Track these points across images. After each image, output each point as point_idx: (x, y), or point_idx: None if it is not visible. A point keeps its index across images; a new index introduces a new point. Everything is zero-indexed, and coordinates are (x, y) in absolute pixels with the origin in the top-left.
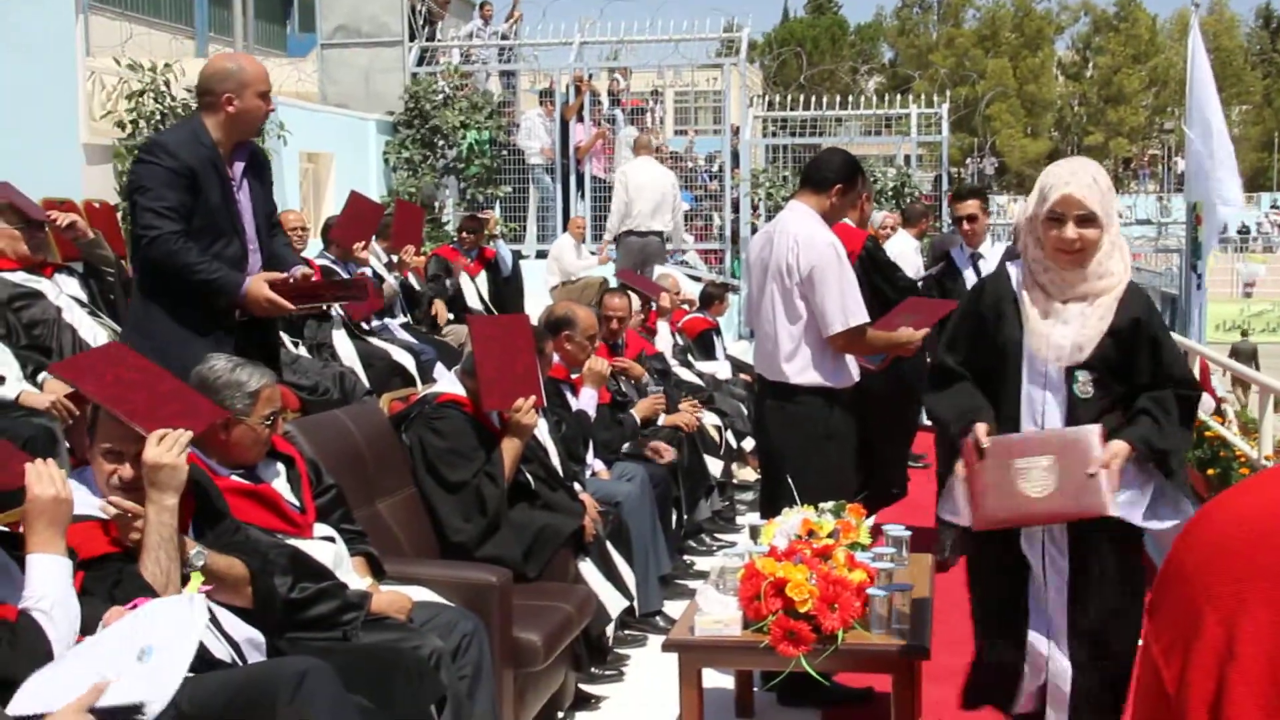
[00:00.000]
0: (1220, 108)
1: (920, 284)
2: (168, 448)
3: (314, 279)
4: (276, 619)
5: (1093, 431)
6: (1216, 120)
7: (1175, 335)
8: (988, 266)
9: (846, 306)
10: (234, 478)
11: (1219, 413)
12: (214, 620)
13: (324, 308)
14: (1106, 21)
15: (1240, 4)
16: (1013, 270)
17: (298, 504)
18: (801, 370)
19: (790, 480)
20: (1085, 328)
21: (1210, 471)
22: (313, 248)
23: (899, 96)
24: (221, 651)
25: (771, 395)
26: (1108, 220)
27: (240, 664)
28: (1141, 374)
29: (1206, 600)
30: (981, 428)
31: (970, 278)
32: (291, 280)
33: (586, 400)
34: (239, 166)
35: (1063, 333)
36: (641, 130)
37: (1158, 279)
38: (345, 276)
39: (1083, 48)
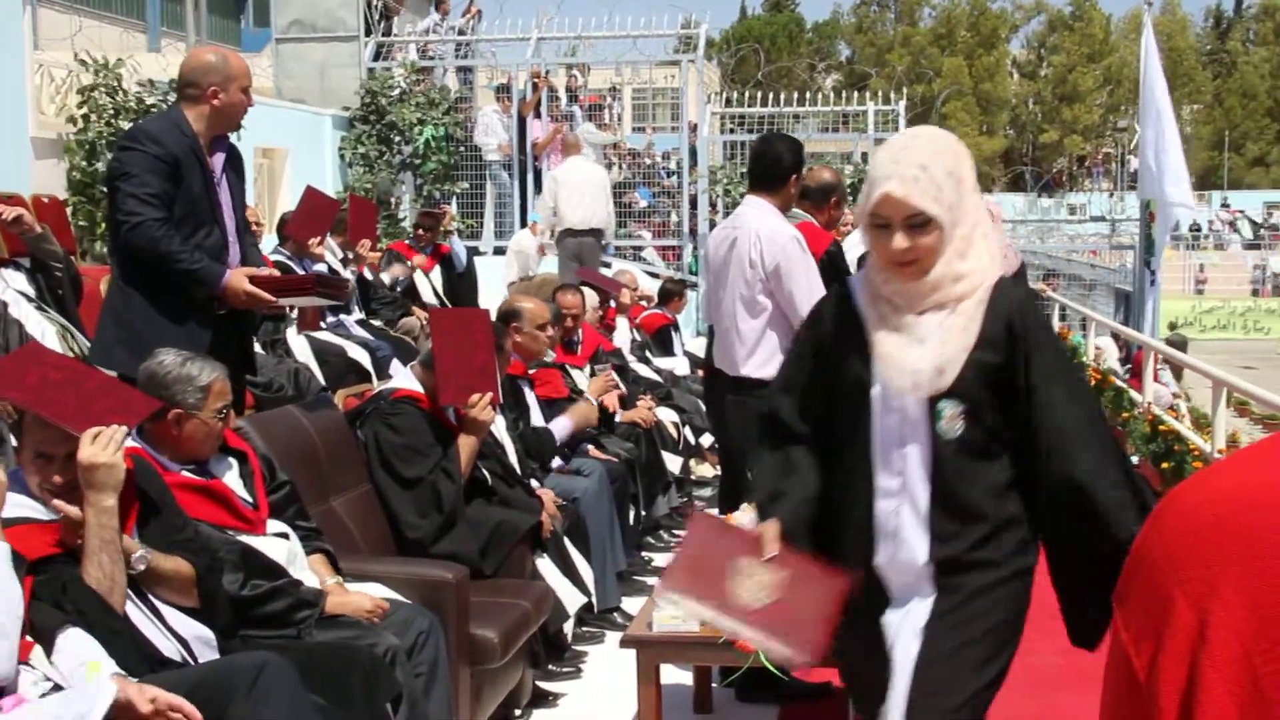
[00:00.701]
0: (1171, 107)
1: None
2: (102, 446)
3: (301, 277)
4: (226, 618)
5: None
6: (1167, 120)
7: (1129, 329)
8: None
9: (814, 297)
10: (185, 473)
11: (1172, 407)
12: (161, 618)
13: (286, 309)
14: (1061, 20)
15: (1191, 4)
16: (855, 284)
17: (250, 500)
18: (762, 364)
19: (750, 474)
20: (946, 344)
21: (1164, 465)
22: (268, 243)
23: (856, 94)
24: (170, 650)
25: (732, 390)
26: (952, 216)
27: (191, 662)
28: (1020, 394)
29: (1177, 586)
30: (771, 530)
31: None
32: (273, 275)
33: (559, 427)
34: (219, 159)
35: (918, 354)
36: (601, 126)
37: (1112, 275)
38: (301, 273)
39: (1037, 46)
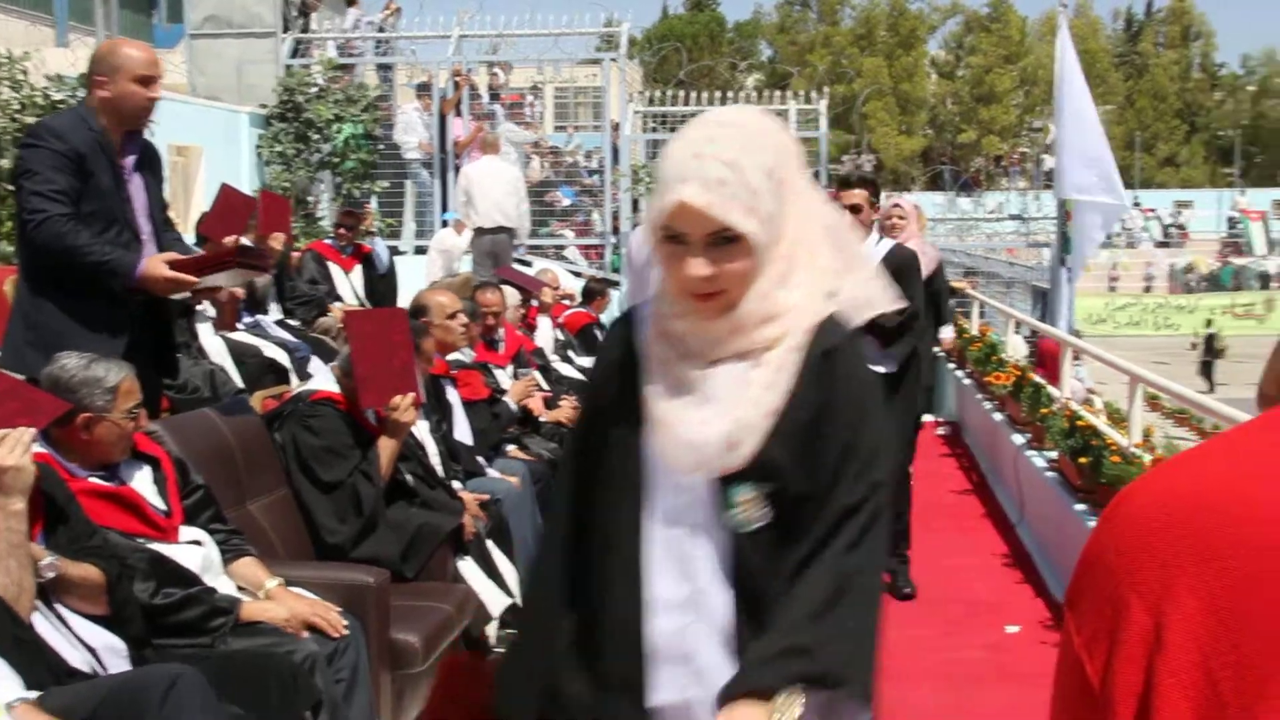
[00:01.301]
0: (1093, 108)
1: None
2: (9, 449)
3: (220, 252)
4: (137, 626)
5: None
6: (1091, 122)
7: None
8: None
9: None
10: (93, 480)
11: (1088, 402)
12: (69, 628)
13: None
14: (978, 22)
15: (1102, 7)
16: (643, 315)
17: (163, 507)
18: None
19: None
20: (742, 407)
21: (1082, 460)
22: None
23: (778, 93)
24: (79, 660)
25: None
26: (770, 232)
27: (101, 673)
28: (822, 481)
29: (1131, 589)
30: None
31: None
32: (193, 256)
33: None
34: (131, 156)
35: (704, 419)
36: (523, 125)
37: (1030, 273)
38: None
39: (955, 47)
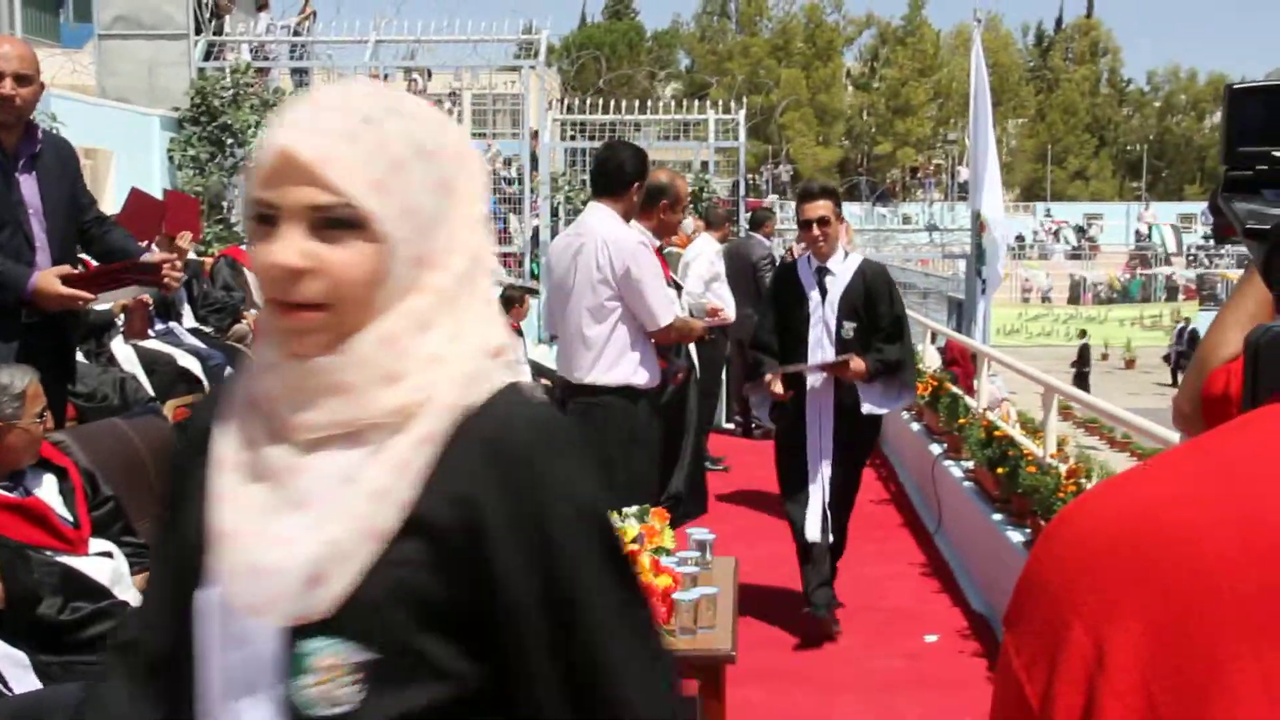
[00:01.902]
0: (991, 124)
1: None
2: None
3: (113, 266)
4: (38, 625)
5: None
6: (985, 136)
7: (963, 335)
8: (837, 286)
9: (665, 298)
10: None
11: (998, 406)
12: None
13: (113, 317)
14: (893, 35)
15: (1013, 20)
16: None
17: (70, 518)
18: (607, 369)
19: None
20: (336, 521)
21: (1000, 470)
22: None
23: (696, 103)
24: None
25: (576, 397)
26: (413, 237)
27: (4, 689)
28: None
29: (1072, 610)
30: None
31: (816, 300)
32: (86, 271)
33: None
34: (23, 157)
35: (284, 533)
36: None
37: (945, 283)
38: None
39: (870, 59)
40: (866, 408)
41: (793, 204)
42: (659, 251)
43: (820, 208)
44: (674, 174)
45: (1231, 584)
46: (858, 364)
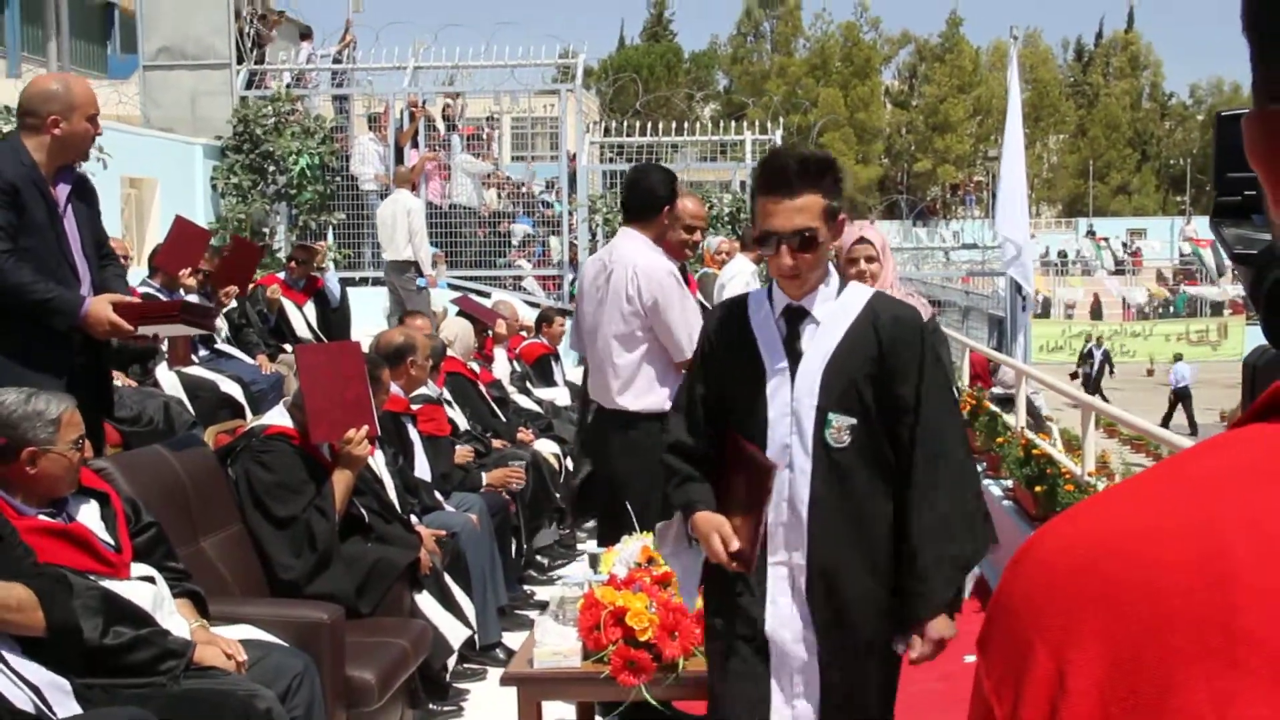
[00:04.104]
0: (1020, 143)
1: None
2: None
3: (169, 304)
4: (80, 651)
5: None
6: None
7: (1004, 355)
8: (820, 343)
9: (693, 330)
10: (41, 517)
11: (1043, 429)
12: (9, 668)
13: (158, 347)
14: (931, 52)
15: (1053, 36)
16: None
17: (112, 542)
18: (639, 397)
19: (630, 507)
20: None
21: (1038, 489)
22: (135, 276)
23: (734, 123)
24: (23, 700)
25: (609, 422)
26: None
27: (49, 712)
28: None
29: (1036, 633)
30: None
31: (779, 369)
32: (136, 302)
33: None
34: (64, 190)
35: None
36: (480, 155)
37: (984, 301)
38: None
39: (908, 77)
40: (901, 647)
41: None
42: (684, 271)
43: (800, 209)
44: (685, 192)
45: (1186, 607)
46: (926, 639)
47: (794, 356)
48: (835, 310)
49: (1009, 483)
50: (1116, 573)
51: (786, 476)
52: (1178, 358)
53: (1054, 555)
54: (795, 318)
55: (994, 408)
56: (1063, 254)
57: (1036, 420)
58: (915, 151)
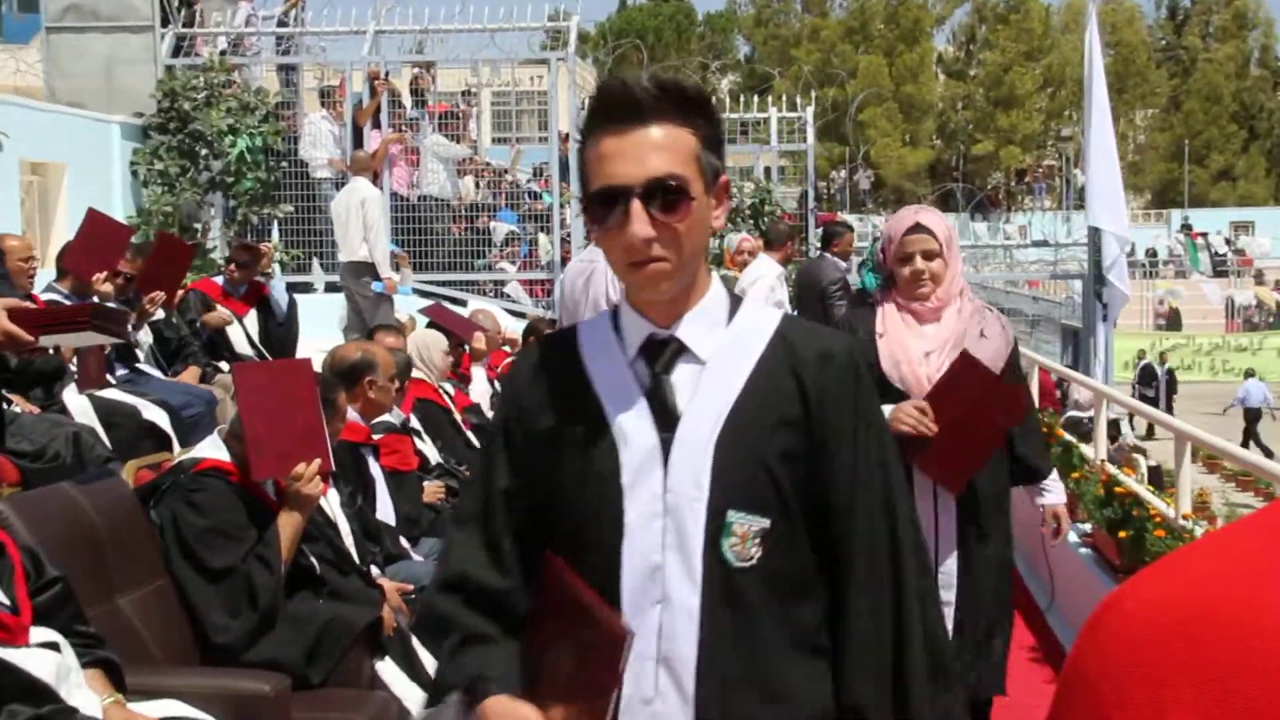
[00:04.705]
0: (1108, 115)
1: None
2: None
3: (74, 308)
4: None
5: None
6: (1105, 129)
7: (1079, 374)
8: (710, 396)
9: None
10: None
11: (1129, 463)
12: None
13: (56, 353)
14: (993, 12)
15: None
16: None
17: (7, 603)
18: None
19: None
20: None
21: (1122, 534)
22: (41, 280)
23: (757, 98)
24: None
25: None
26: None
27: None
28: None
29: (1119, 710)
30: None
31: (639, 441)
32: (36, 308)
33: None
34: None
35: None
36: (454, 138)
37: (1056, 309)
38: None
39: (966, 42)
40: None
41: (878, 218)
42: None
43: (658, 147)
44: None
45: None
46: None
47: (665, 420)
48: (727, 344)
49: (1087, 527)
50: (1214, 641)
51: (657, 619)
52: (1249, 374)
53: (1137, 621)
54: (662, 355)
55: (1068, 436)
56: (1152, 252)
57: (1121, 452)
58: (973, 131)
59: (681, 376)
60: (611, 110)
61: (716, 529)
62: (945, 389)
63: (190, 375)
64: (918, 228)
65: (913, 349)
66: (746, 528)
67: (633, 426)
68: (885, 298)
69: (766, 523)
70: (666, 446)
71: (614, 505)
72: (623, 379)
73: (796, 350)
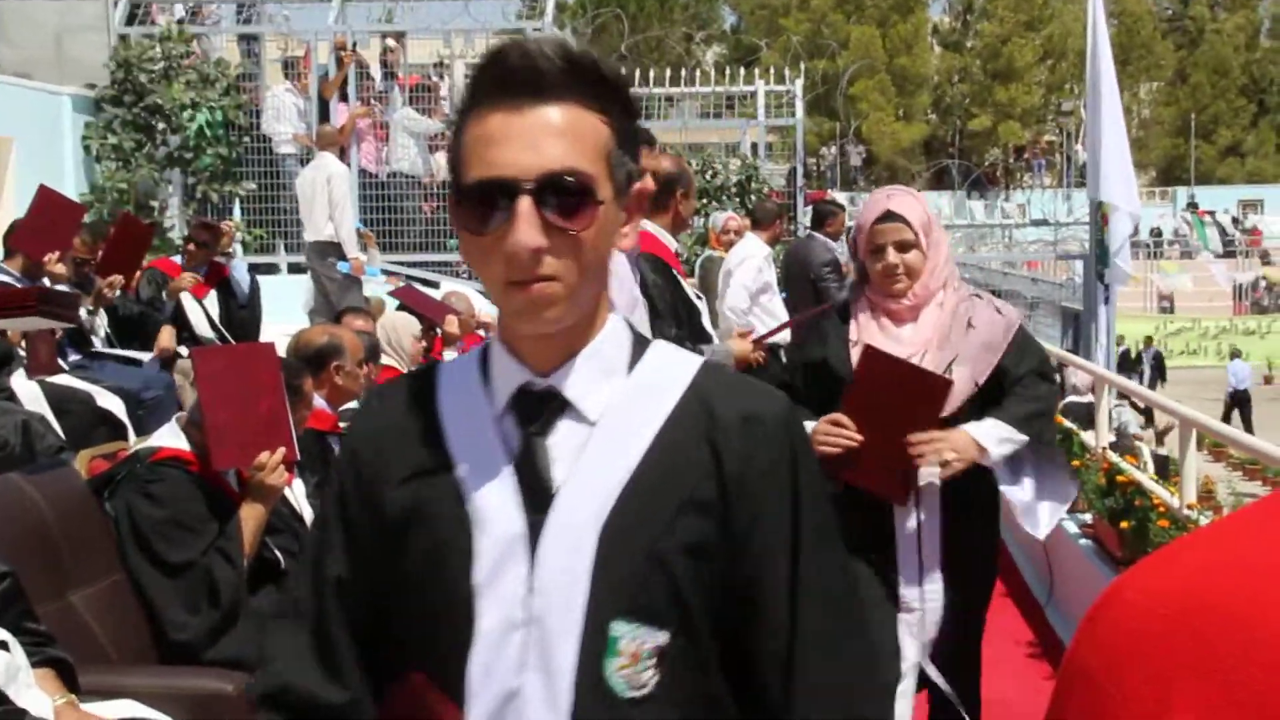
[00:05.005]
0: (1115, 86)
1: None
2: None
3: (20, 291)
4: None
5: None
6: (1111, 102)
7: (1078, 357)
8: (599, 457)
9: (635, 319)
10: None
11: (1132, 452)
12: None
13: (4, 336)
14: None
15: None
16: None
17: None
18: None
19: None
20: None
21: (1124, 525)
22: None
23: (743, 71)
24: None
25: None
26: None
27: None
28: None
29: (1121, 705)
30: None
31: (504, 520)
32: None
33: None
34: None
35: None
36: (426, 111)
37: (1057, 291)
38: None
39: (962, 11)
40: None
41: (865, 195)
42: (675, 257)
43: (558, 132)
44: (677, 158)
45: None
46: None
47: (537, 498)
48: (624, 400)
49: (1087, 517)
50: (1217, 633)
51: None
52: (1234, 354)
53: (1138, 612)
54: (539, 411)
55: (1068, 423)
56: (1157, 231)
57: (1122, 439)
58: (970, 105)
59: (562, 440)
60: (505, 81)
61: (597, 646)
62: (858, 391)
63: (166, 337)
64: (889, 215)
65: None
66: (638, 644)
67: (493, 504)
68: (859, 296)
69: (664, 638)
70: (535, 532)
71: (463, 609)
72: (484, 441)
73: (714, 410)
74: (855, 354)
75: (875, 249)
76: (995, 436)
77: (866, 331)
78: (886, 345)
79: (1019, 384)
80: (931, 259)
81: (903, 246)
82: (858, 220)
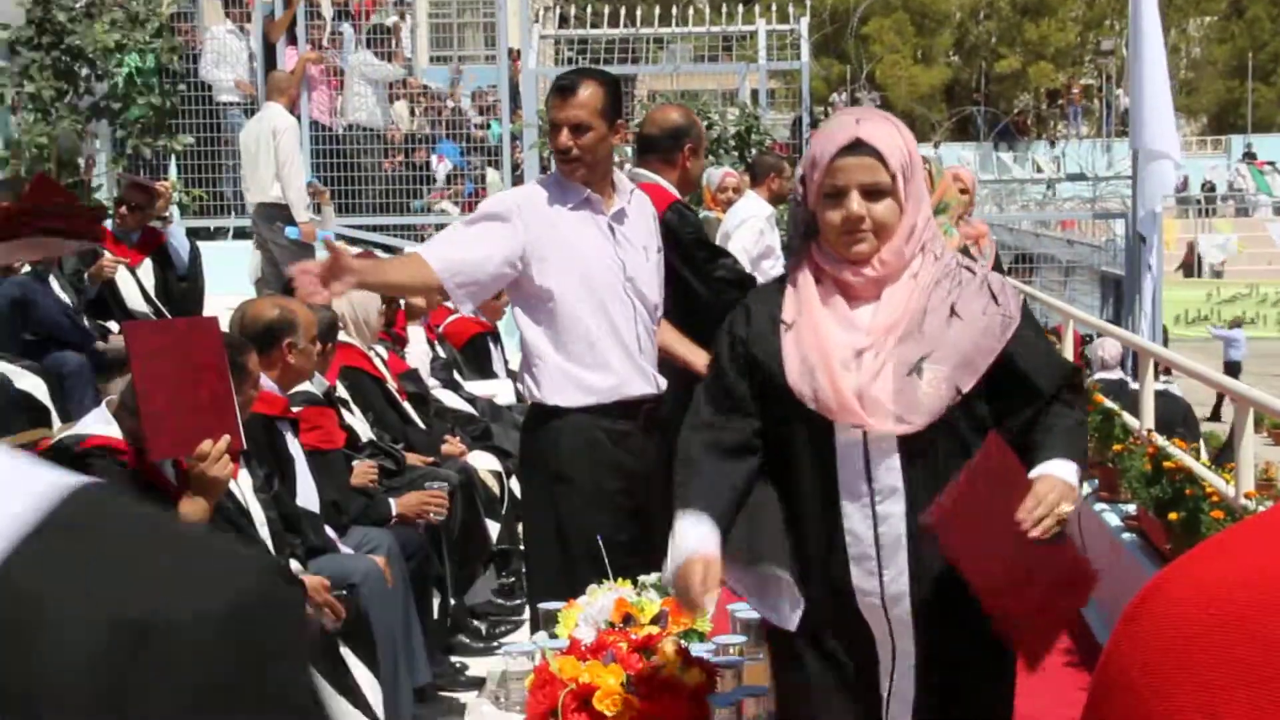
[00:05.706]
0: (1159, 26)
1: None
2: None
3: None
4: None
5: None
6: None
7: (1120, 330)
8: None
9: None
10: None
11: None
12: None
13: None
14: None
15: None
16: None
17: None
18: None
19: (600, 540)
20: None
21: (1172, 517)
22: None
23: (742, 8)
24: None
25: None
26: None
27: None
28: None
29: (1165, 715)
30: None
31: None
32: None
33: None
34: None
35: None
36: (385, 56)
37: (1096, 254)
38: None
39: None
40: None
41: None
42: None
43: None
44: (685, 109)
45: None
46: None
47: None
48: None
49: (1131, 508)
50: (1273, 633)
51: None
52: (1235, 324)
53: (1183, 609)
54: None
55: (1108, 403)
56: (1209, 185)
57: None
58: (997, 45)
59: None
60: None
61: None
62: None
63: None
64: (857, 146)
65: (835, 345)
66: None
67: None
68: (800, 260)
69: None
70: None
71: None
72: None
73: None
74: (787, 343)
75: (833, 192)
76: (1076, 473)
77: (808, 307)
78: (834, 329)
79: (1057, 400)
80: (909, 215)
81: (872, 193)
82: (810, 151)
